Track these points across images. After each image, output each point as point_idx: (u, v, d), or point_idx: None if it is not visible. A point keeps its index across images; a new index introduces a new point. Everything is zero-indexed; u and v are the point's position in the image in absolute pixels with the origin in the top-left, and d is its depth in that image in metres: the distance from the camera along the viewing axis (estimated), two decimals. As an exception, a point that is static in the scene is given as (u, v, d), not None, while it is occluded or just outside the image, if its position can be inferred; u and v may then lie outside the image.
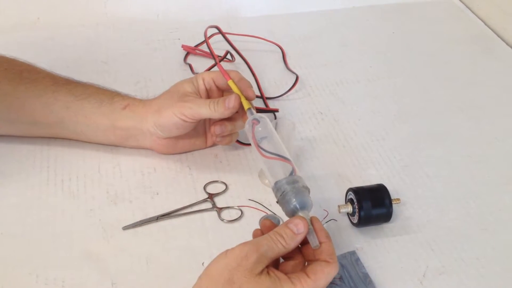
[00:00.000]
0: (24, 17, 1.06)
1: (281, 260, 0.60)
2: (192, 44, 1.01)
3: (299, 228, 0.58)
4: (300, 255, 0.60)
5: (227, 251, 0.56)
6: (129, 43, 1.03)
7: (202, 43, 1.01)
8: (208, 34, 0.88)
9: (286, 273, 0.56)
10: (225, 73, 0.73)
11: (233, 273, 0.54)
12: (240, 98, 0.71)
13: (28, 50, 0.97)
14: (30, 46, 1.00)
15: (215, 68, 0.91)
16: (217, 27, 0.86)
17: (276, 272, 0.56)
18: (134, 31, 1.06)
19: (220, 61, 0.93)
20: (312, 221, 0.60)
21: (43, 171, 0.76)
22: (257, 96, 0.86)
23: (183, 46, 1.00)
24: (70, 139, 0.79)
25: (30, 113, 0.75)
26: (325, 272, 0.56)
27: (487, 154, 0.83)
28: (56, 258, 0.66)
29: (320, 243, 0.58)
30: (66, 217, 0.71)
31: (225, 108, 0.70)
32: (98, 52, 1.00)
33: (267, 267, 0.56)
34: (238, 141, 0.80)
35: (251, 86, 0.73)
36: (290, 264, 0.59)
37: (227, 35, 0.94)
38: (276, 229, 0.58)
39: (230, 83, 0.73)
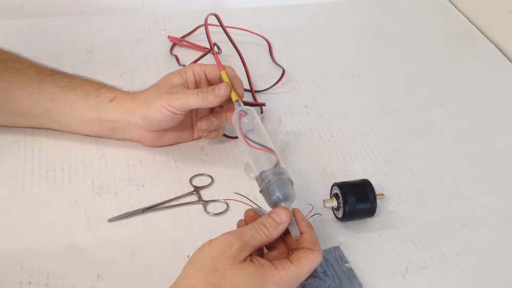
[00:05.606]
0: (7, 4, 1.04)
1: (266, 251, 0.61)
2: (178, 35, 1.00)
3: (281, 218, 0.59)
4: (284, 245, 0.61)
5: (210, 240, 0.56)
6: (114, 33, 1.02)
7: (188, 34, 1.00)
8: (198, 24, 0.86)
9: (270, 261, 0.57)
10: (220, 64, 0.73)
11: (217, 261, 0.54)
12: (230, 86, 0.71)
13: (11, 38, 0.96)
14: (13, 34, 0.98)
15: (203, 59, 0.91)
16: (216, 15, 0.85)
17: (260, 259, 0.56)
18: (119, 21, 1.05)
19: (207, 53, 0.92)
20: (294, 212, 0.61)
21: (27, 162, 0.75)
22: (246, 90, 0.86)
23: (169, 37, 1.00)
24: (55, 130, 0.78)
25: (15, 103, 0.74)
26: (308, 259, 0.57)
27: (468, 151, 0.84)
28: (40, 250, 0.65)
29: (302, 232, 0.59)
30: (51, 209, 0.70)
31: (215, 96, 0.70)
32: (82, 41, 0.99)
33: (250, 255, 0.56)
34: (224, 135, 0.80)
35: (242, 86, 0.73)
36: (274, 253, 0.60)
37: (216, 26, 0.92)
38: (259, 219, 0.59)
39: (223, 73, 0.73)
